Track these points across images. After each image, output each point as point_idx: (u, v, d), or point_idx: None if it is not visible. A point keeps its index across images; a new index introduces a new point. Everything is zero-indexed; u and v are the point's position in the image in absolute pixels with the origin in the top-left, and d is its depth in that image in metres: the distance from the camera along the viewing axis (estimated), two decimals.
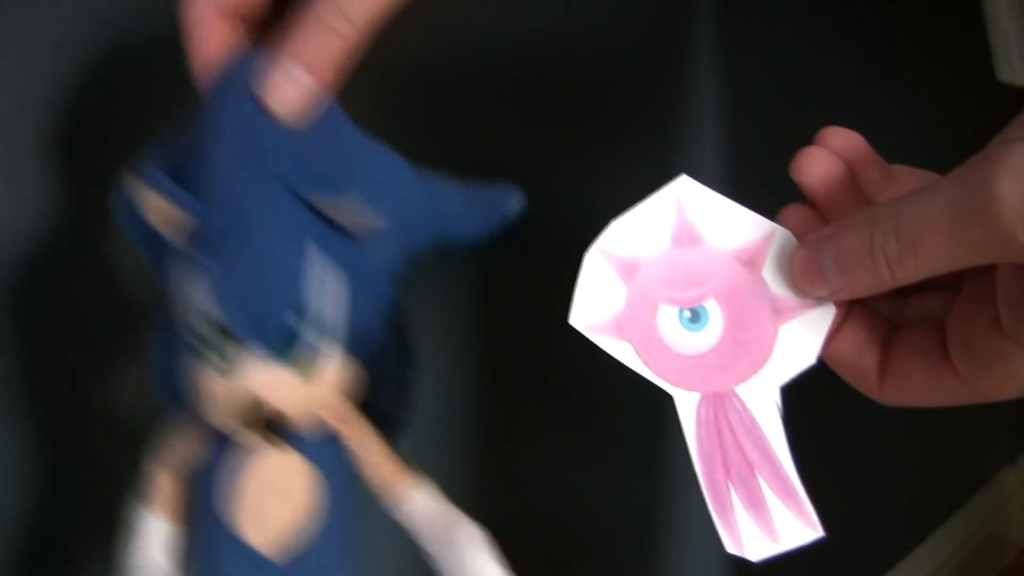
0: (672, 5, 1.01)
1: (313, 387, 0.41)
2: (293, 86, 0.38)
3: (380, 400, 0.45)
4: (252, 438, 0.41)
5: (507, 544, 0.85)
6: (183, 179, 0.39)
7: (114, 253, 0.58)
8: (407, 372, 0.47)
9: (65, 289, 0.57)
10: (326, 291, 0.41)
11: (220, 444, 0.42)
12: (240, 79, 0.39)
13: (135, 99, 0.58)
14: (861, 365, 0.43)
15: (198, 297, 0.39)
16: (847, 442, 1.43)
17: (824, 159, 0.43)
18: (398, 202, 0.43)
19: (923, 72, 1.47)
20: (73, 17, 0.54)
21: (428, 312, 0.82)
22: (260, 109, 0.39)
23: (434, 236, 0.46)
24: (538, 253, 0.85)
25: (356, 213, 0.40)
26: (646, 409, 1.07)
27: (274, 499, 0.42)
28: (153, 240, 0.41)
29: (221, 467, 0.42)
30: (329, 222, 0.41)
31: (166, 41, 0.50)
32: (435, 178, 0.46)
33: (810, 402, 1.34)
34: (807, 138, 1.27)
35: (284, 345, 0.40)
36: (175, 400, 0.44)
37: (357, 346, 0.43)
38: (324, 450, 0.43)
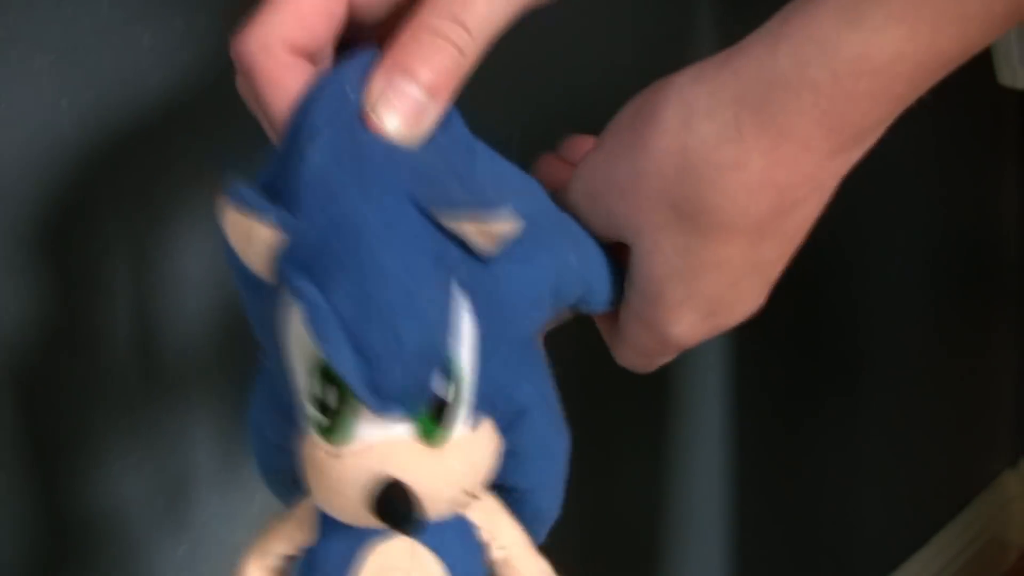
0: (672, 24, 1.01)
1: (453, 462, 0.33)
2: (406, 102, 0.32)
3: (517, 479, 0.37)
4: (375, 524, 0.33)
5: None
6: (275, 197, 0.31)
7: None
8: (554, 442, 0.38)
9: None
10: (463, 335, 0.33)
11: (331, 532, 0.35)
12: (339, 90, 0.32)
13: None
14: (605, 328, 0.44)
15: (296, 337, 0.31)
16: (849, 446, 1.43)
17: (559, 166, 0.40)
18: (541, 235, 0.36)
19: None
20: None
21: None
22: (364, 127, 0.32)
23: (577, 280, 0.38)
24: None
25: (504, 231, 0.32)
26: (650, 409, 1.07)
27: None
28: (253, 282, 0.32)
29: (331, 561, 0.35)
30: (460, 245, 0.32)
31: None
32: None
33: (812, 406, 1.35)
34: None
35: (423, 411, 0.32)
36: (284, 485, 0.37)
37: (489, 406, 0.35)
38: (450, 535, 0.35)
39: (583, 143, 0.40)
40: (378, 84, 0.32)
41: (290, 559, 0.37)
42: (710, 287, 0.36)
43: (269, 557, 0.37)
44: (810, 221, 0.37)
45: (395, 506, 0.31)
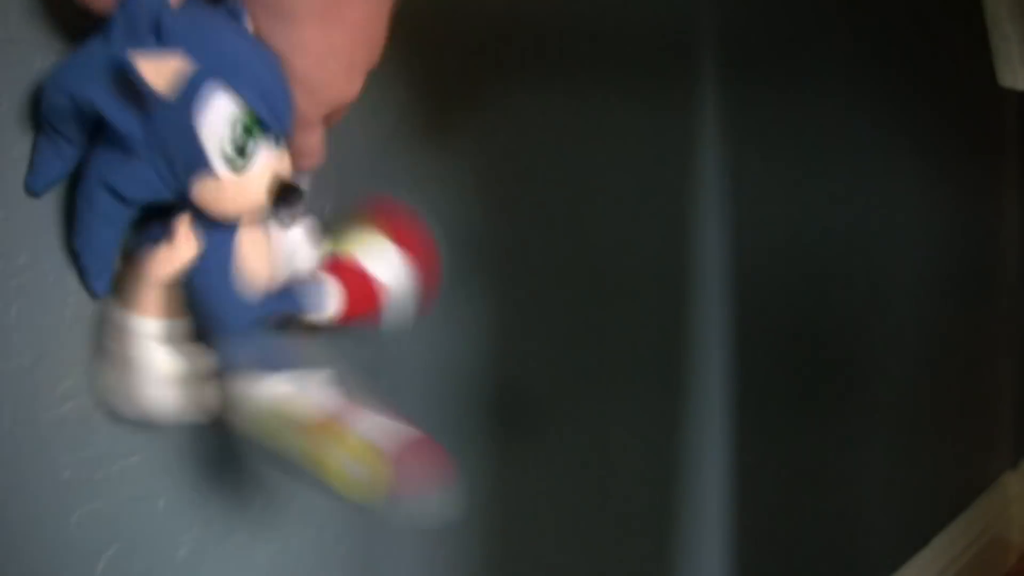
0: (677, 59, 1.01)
1: (286, 160, 0.56)
2: None
3: None
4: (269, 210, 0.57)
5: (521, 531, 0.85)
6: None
7: None
8: None
9: None
10: None
11: (213, 238, 0.56)
12: None
13: None
14: None
15: (217, 115, 0.51)
16: (850, 447, 1.43)
17: None
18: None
19: (924, 77, 1.47)
20: None
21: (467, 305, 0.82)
22: None
23: None
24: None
25: None
26: (656, 409, 1.07)
27: (260, 259, 0.58)
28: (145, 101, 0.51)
29: (222, 248, 0.56)
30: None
31: None
32: None
33: (814, 407, 1.35)
34: (807, 135, 1.26)
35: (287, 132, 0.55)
36: (104, 269, 0.57)
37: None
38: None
39: None
40: None
41: (181, 271, 0.56)
42: (303, 69, 0.52)
43: (165, 276, 0.56)
44: (370, 20, 0.51)
45: (289, 189, 0.55)
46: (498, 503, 0.91)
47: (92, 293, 0.58)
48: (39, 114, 0.55)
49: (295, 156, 0.58)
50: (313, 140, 0.57)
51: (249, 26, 0.55)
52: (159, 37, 0.51)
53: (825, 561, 1.41)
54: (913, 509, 1.62)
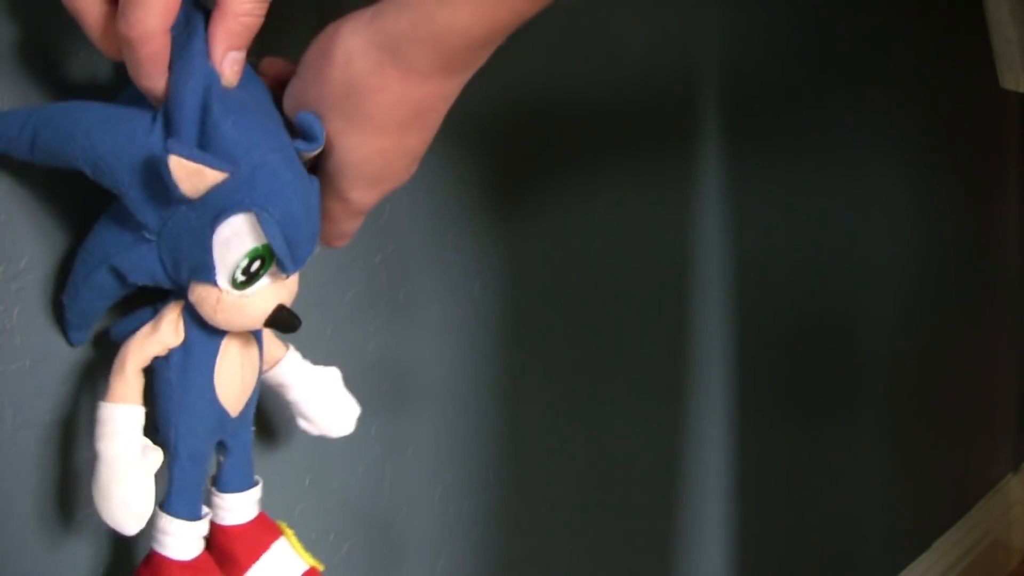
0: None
1: (293, 286, 0.55)
2: (235, 67, 0.51)
3: None
4: (267, 332, 0.59)
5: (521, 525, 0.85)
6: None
7: None
8: None
9: None
10: None
11: (198, 334, 0.55)
12: (206, 68, 0.50)
13: None
14: None
15: (233, 232, 0.50)
16: (852, 451, 1.43)
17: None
18: None
19: (926, 79, 1.47)
20: None
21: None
22: (223, 87, 0.50)
23: None
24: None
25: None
26: (662, 409, 1.07)
27: (242, 373, 0.57)
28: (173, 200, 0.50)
29: (204, 349, 0.55)
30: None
31: None
32: None
33: (816, 410, 1.35)
34: (806, 137, 1.26)
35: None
36: (88, 324, 0.57)
37: None
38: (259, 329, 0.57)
39: (278, 63, 0.56)
40: (217, 56, 0.50)
41: (156, 358, 0.55)
42: (374, 168, 0.53)
43: (145, 357, 0.54)
44: (440, 118, 0.52)
45: (288, 320, 0.54)
46: (499, 505, 0.91)
47: (68, 341, 0.58)
48: (74, 281, 0.55)
49: (330, 238, 0.57)
50: (355, 226, 0.57)
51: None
52: (204, 126, 0.49)
53: (826, 565, 1.41)
54: (914, 513, 1.62)
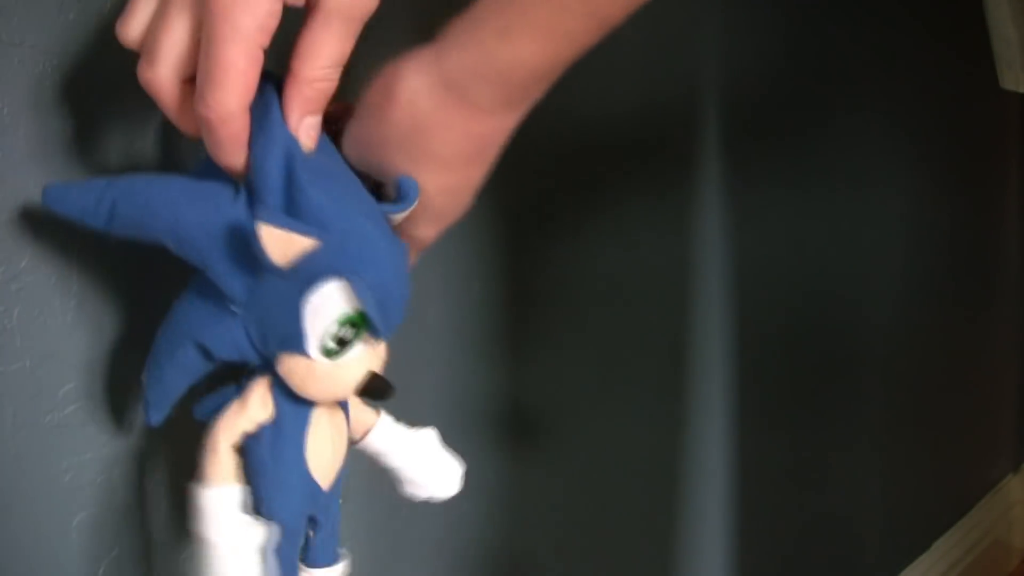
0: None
1: (383, 352, 0.54)
2: (311, 133, 0.51)
3: None
4: (355, 401, 0.57)
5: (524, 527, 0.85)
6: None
7: None
8: None
9: None
10: None
11: (288, 408, 0.53)
12: (285, 136, 0.49)
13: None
14: None
15: (325, 300, 0.49)
16: (852, 451, 1.43)
17: None
18: None
19: (926, 80, 1.47)
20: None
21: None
22: (305, 155, 0.50)
23: None
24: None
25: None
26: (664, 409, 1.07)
27: (332, 445, 0.55)
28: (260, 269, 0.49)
29: (295, 423, 0.53)
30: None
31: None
32: None
33: (816, 410, 1.35)
34: (806, 139, 1.26)
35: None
36: (167, 402, 0.54)
37: None
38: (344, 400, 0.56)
39: (342, 107, 0.55)
40: (293, 123, 0.50)
41: (247, 435, 0.53)
42: (440, 204, 0.53)
43: (236, 434, 0.53)
44: (499, 151, 0.53)
45: (381, 389, 0.53)
46: (500, 507, 0.91)
47: (147, 421, 0.56)
48: (156, 360, 0.54)
49: None
50: (414, 260, 0.57)
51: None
52: (289, 194, 0.49)
53: (827, 565, 1.41)
54: (915, 513, 1.62)
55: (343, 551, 0.60)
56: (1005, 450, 1.89)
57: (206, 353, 0.53)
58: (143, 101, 0.59)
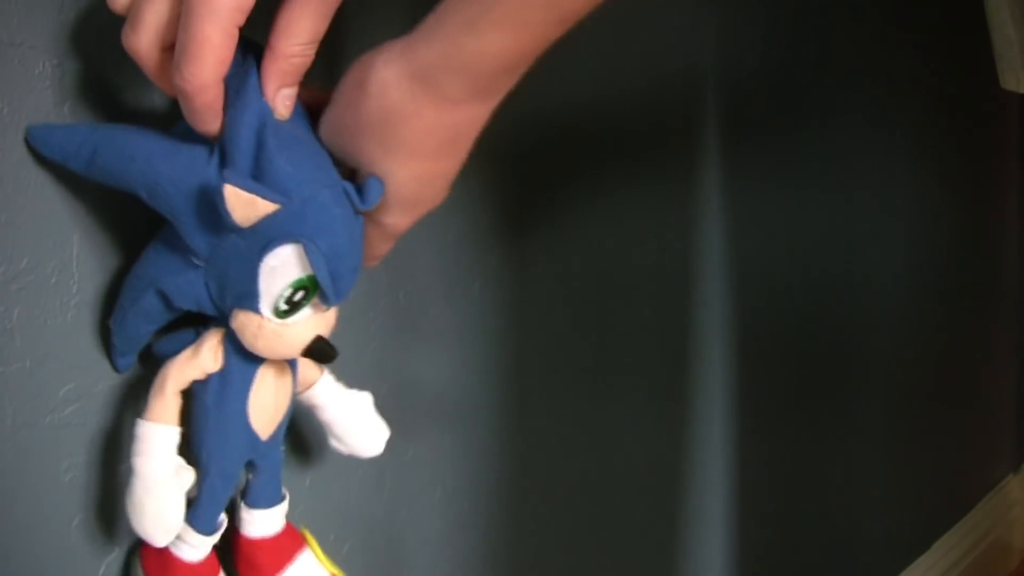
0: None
1: (332, 319, 0.56)
2: (287, 103, 0.53)
3: None
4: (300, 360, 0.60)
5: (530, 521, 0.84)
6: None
7: None
8: None
9: None
10: None
11: (236, 360, 0.56)
12: (261, 105, 0.52)
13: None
14: None
15: (281, 262, 0.51)
16: (852, 452, 1.43)
17: None
18: None
19: (926, 80, 1.47)
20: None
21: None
22: (278, 122, 0.52)
23: None
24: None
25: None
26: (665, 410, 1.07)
27: (275, 400, 0.58)
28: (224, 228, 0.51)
29: (240, 375, 0.56)
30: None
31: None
32: None
33: (817, 410, 1.35)
34: (806, 139, 1.26)
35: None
36: (132, 349, 0.58)
37: None
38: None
39: (311, 91, 0.56)
40: (270, 94, 0.52)
41: (195, 381, 0.56)
42: (410, 192, 0.54)
43: (184, 380, 0.56)
44: (473, 141, 0.53)
45: (325, 352, 0.55)
46: (499, 507, 0.91)
47: (114, 367, 0.59)
48: (121, 305, 0.56)
49: (363, 259, 0.58)
50: (387, 248, 0.58)
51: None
52: (258, 159, 0.51)
53: (827, 565, 1.41)
54: (915, 513, 1.62)
55: (284, 491, 0.63)
56: (1005, 450, 1.89)
57: (167, 301, 0.55)
58: (142, 101, 0.59)
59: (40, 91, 0.55)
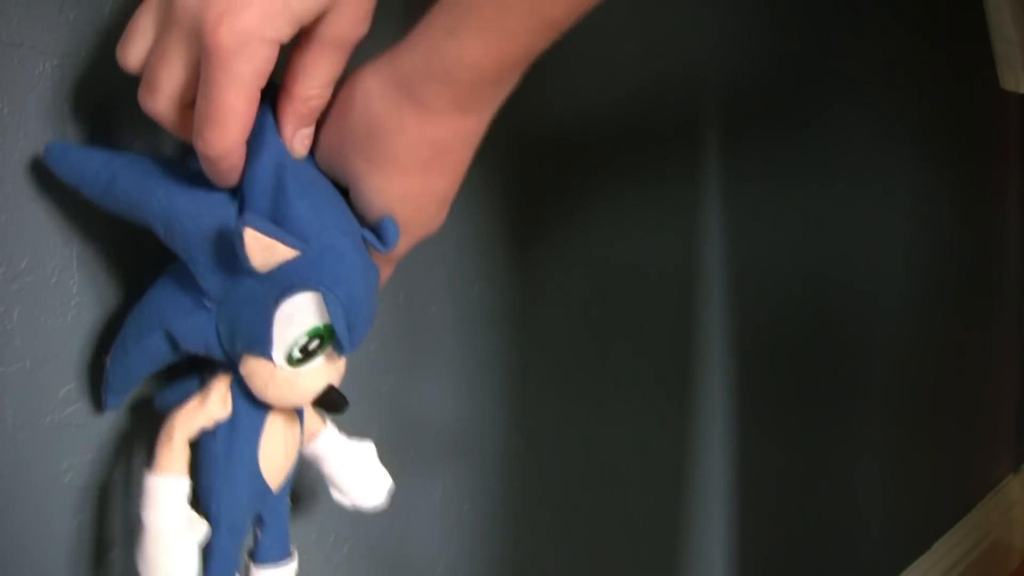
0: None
1: (342, 367, 0.55)
2: (304, 143, 0.53)
3: None
4: (307, 409, 0.59)
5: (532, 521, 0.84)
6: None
7: None
8: None
9: None
10: None
11: (244, 408, 0.55)
12: (279, 146, 0.51)
13: None
14: None
15: (297, 309, 0.50)
16: (853, 452, 1.43)
17: None
18: None
19: (926, 81, 1.47)
20: None
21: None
22: (296, 163, 0.52)
23: None
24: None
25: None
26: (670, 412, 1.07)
27: (285, 448, 0.57)
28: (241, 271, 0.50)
29: (248, 423, 0.55)
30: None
31: None
32: None
33: (817, 411, 1.35)
34: (806, 140, 1.27)
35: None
36: (126, 388, 0.57)
37: None
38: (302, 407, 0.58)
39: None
40: (288, 136, 0.52)
41: (202, 430, 0.54)
42: (403, 213, 0.53)
43: (193, 429, 0.54)
44: (465, 159, 0.52)
45: (336, 402, 0.54)
46: (500, 507, 0.91)
47: (103, 404, 0.58)
48: (123, 343, 0.55)
49: None
50: (388, 274, 0.57)
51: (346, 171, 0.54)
52: (278, 202, 0.50)
53: (827, 566, 1.41)
54: (915, 513, 1.62)
55: (292, 549, 0.61)
56: (1006, 450, 1.89)
57: (173, 343, 0.54)
58: (141, 107, 0.59)
59: (40, 91, 0.55)
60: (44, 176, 0.55)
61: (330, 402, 0.54)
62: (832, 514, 1.41)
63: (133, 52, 0.50)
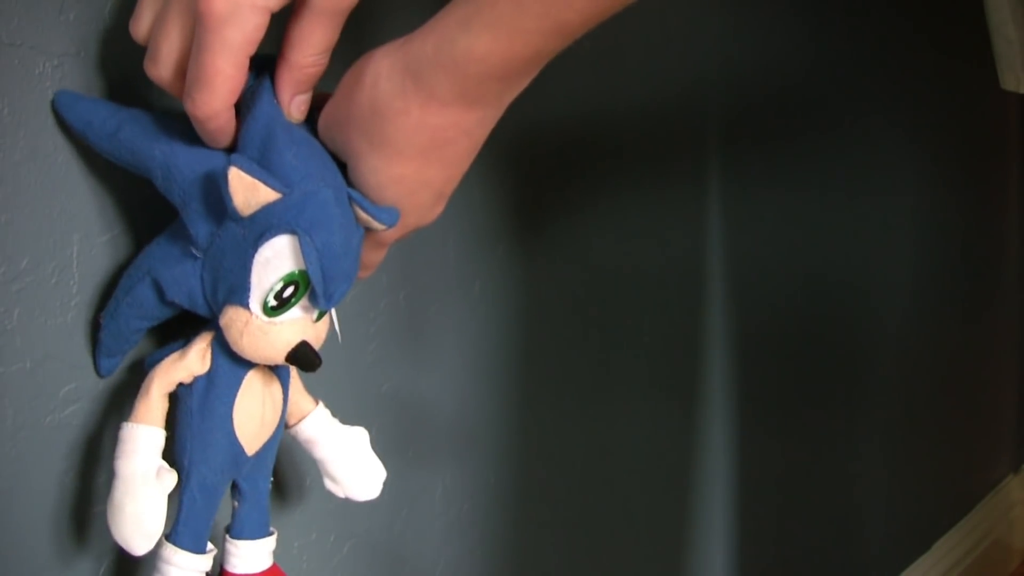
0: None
1: (322, 329, 0.55)
2: (302, 107, 0.54)
3: None
4: (297, 386, 0.60)
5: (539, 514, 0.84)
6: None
7: None
8: None
9: None
10: None
11: (223, 364, 0.55)
12: (272, 103, 0.53)
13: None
14: None
15: (274, 253, 0.51)
16: (853, 452, 1.43)
17: None
18: None
19: (926, 81, 1.47)
20: None
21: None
22: (290, 123, 0.53)
23: None
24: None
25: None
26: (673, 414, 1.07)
27: (262, 412, 0.57)
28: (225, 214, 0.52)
29: (226, 380, 0.55)
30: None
31: None
32: None
33: (818, 411, 1.35)
34: (806, 140, 1.27)
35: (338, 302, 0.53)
36: (120, 348, 0.58)
37: None
38: (283, 368, 0.59)
39: (322, 97, 0.56)
40: (285, 101, 0.53)
41: (181, 384, 0.55)
42: (394, 196, 0.54)
43: (171, 382, 0.55)
44: (464, 154, 0.53)
45: (308, 358, 0.54)
46: (500, 506, 0.91)
47: (96, 369, 0.59)
48: (116, 297, 0.56)
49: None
50: (378, 257, 0.58)
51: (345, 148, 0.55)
52: (267, 151, 0.51)
53: (827, 566, 1.41)
54: (915, 513, 1.62)
55: (272, 528, 0.61)
56: (1006, 450, 1.89)
57: (160, 293, 0.55)
58: (143, 101, 0.59)
59: (40, 91, 0.55)
60: (44, 176, 0.55)
61: (303, 357, 0.54)
62: (832, 514, 1.41)
63: (142, 23, 0.52)
